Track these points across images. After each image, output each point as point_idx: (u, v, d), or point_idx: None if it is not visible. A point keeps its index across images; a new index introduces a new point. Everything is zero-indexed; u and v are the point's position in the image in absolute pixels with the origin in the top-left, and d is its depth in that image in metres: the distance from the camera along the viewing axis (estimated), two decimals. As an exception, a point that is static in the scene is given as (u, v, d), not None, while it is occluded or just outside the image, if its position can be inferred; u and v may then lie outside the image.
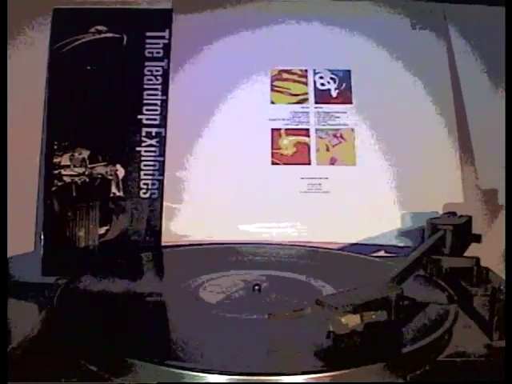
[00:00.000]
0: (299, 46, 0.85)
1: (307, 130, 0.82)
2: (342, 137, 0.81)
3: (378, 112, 0.82)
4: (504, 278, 0.63)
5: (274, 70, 0.84)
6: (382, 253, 0.76)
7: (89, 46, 0.81)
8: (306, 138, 0.81)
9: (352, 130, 0.81)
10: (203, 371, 0.46)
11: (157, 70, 0.80)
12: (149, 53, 0.81)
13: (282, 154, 0.80)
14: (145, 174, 0.78)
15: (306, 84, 0.84)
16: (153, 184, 0.77)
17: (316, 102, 0.83)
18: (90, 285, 0.63)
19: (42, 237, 0.75)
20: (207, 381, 0.46)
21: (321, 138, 0.81)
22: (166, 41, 0.81)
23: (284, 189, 0.79)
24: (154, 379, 0.46)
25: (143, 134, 0.78)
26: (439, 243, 0.67)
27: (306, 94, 0.83)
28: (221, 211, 0.78)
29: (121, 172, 0.77)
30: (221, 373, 0.46)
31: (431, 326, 0.53)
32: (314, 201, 0.78)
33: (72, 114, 0.79)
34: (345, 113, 0.82)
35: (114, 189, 0.77)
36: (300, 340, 0.51)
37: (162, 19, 0.82)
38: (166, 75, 0.80)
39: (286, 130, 0.82)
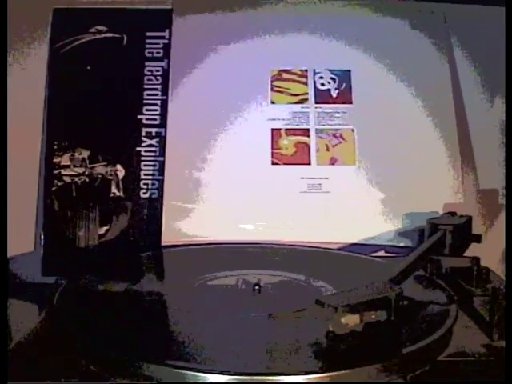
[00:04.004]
0: (299, 45, 0.85)
1: (307, 130, 0.82)
2: (341, 137, 0.81)
3: (378, 112, 0.82)
4: (504, 278, 0.63)
5: (273, 70, 0.84)
6: (382, 253, 0.76)
7: (89, 45, 0.81)
8: (305, 138, 0.81)
9: (352, 130, 0.81)
10: (203, 371, 0.46)
11: (157, 70, 0.80)
12: (149, 53, 0.81)
13: (282, 154, 0.80)
14: (145, 174, 0.78)
15: (306, 84, 0.84)
16: (153, 184, 0.77)
17: (316, 102, 0.83)
18: (90, 285, 0.63)
19: (42, 237, 0.75)
20: (207, 381, 0.46)
21: (321, 138, 0.81)
22: (166, 41, 0.81)
23: (284, 189, 0.79)
24: (154, 379, 0.46)
25: (143, 133, 0.78)
26: (439, 243, 0.67)
27: (306, 93, 0.83)
28: (221, 211, 0.78)
29: (121, 172, 0.77)
30: (221, 373, 0.46)
31: (431, 325, 0.53)
32: (314, 201, 0.79)
33: (72, 114, 0.79)
34: (345, 113, 0.82)
35: (114, 189, 0.77)
36: (300, 340, 0.51)
37: (162, 19, 0.82)
38: (166, 75, 0.80)
39: (286, 130, 0.82)
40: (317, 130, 0.82)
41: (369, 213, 0.78)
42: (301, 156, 0.81)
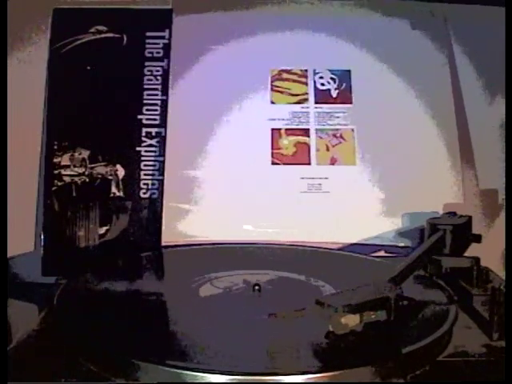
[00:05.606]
0: (299, 46, 0.85)
1: (307, 130, 0.82)
2: (341, 137, 0.81)
3: (378, 112, 0.82)
4: (504, 278, 0.63)
5: (273, 70, 0.84)
6: (382, 253, 0.76)
7: (89, 46, 0.81)
8: (306, 138, 0.81)
9: (352, 130, 0.81)
10: (203, 371, 0.46)
11: (157, 70, 0.80)
12: (149, 53, 0.81)
13: (282, 154, 0.80)
14: (145, 174, 0.78)
15: (306, 84, 0.84)
16: (153, 184, 0.77)
17: (316, 102, 0.83)
18: (90, 284, 0.63)
19: (42, 237, 0.75)
20: (207, 381, 0.46)
21: (321, 137, 0.81)
22: (166, 41, 0.81)
23: (284, 189, 0.79)
24: (154, 379, 0.46)
25: (143, 133, 0.78)
26: (439, 243, 0.67)
27: (306, 93, 0.83)
28: (221, 211, 0.78)
29: (121, 172, 0.77)
30: (221, 373, 0.46)
31: (431, 325, 0.53)
32: (314, 201, 0.78)
33: (72, 114, 0.79)
34: (345, 113, 0.82)
35: (114, 189, 0.77)
36: (300, 340, 0.51)
37: (162, 19, 0.82)
38: (166, 75, 0.80)
39: (286, 130, 0.82)
40: (317, 130, 0.82)
41: (369, 213, 0.78)
42: (301, 156, 0.81)
